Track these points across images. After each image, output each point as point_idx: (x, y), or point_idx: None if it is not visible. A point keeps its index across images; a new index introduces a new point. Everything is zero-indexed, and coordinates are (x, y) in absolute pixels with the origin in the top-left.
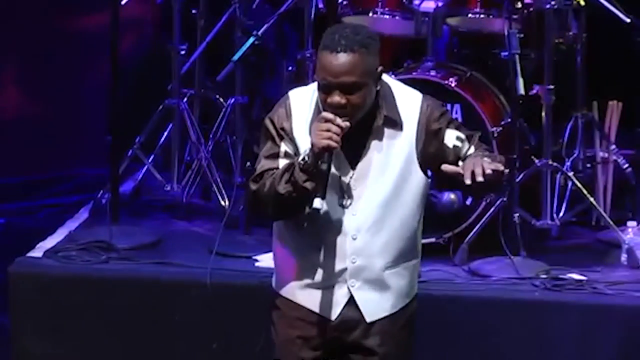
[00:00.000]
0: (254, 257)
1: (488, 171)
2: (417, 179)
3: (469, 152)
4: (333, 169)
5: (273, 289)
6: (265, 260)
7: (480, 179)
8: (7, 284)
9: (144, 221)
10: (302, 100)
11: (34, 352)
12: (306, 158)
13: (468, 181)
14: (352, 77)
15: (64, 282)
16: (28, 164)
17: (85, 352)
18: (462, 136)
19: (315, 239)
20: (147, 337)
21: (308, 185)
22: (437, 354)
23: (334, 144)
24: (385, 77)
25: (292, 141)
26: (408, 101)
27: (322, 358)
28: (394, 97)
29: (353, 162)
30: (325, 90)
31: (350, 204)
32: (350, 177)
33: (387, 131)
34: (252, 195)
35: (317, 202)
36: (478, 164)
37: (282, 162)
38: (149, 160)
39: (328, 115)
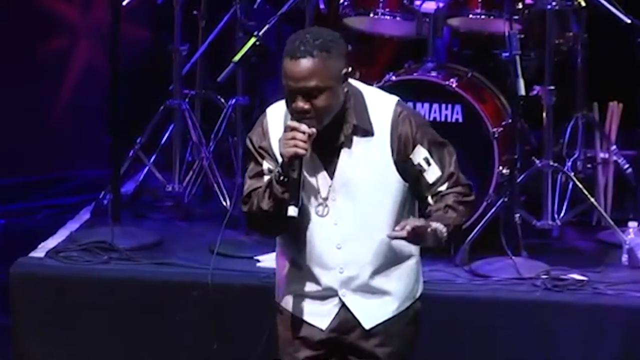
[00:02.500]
0: (255, 258)
1: (401, 232)
2: (397, 184)
3: (436, 181)
4: (312, 180)
5: (275, 297)
6: (267, 261)
7: (395, 234)
8: (8, 285)
9: (145, 222)
10: (278, 116)
11: (35, 352)
12: (279, 170)
13: (391, 237)
14: (312, 81)
15: (66, 283)
16: (29, 164)
17: (87, 353)
18: (431, 160)
19: (304, 250)
20: (148, 337)
21: (286, 196)
22: (438, 354)
23: (300, 150)
24: (358, 83)
25: (273, 157)
26: (380, 106)
27: (322, 358)
28: (365, 103)
29: (330, 172)
30: (289, 96)
31: (331, 213)
32: (329, 187)
33: (359, 139)
34: (246, 217)
35: (291, 210)
36: (412, 221)
37: (267, 179)
38: (150, 161)
39: (292, 123)
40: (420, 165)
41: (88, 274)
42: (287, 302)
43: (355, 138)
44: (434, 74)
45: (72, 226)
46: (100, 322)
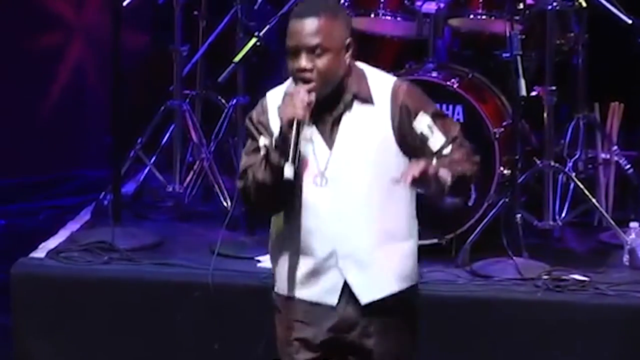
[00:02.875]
0: (256, 258)
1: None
2: (397, 157)
3: (440, 148)
4: (311, 152)
5: (274, 293)
6: (267, 261)
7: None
8: (9, 285)
9: (146, 222)
10: (278, 96)
11: (37, 352)
12: (277, 136)
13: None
14: (316, 38)
15: (66, 283)
16: (29, 165)
17: (88, 353)
18: (434, 127)
19: (302, 226)
20: (149, 338)
21: (282, 163)
22: (440, 355)
23: (299, 113)
24: (359, 63)
25: (270, 134)
26: (380, 80)
27: (321, 359)
28: (365, 76)
29: (329, 144)
30: (292, 55)
31: (330, 185)
32: (328, 159)
33: (359, 106)
34: (241, 193)
35: (287, 170)
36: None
37: (263, 153)
38: (151, 161)
39: (291, 90)
40: (423, 135)
41: (89, 274)
42: (290, 288)
43: (355, 105)
44: (434, 74)
45: (72, 226)
46: (101, 322)
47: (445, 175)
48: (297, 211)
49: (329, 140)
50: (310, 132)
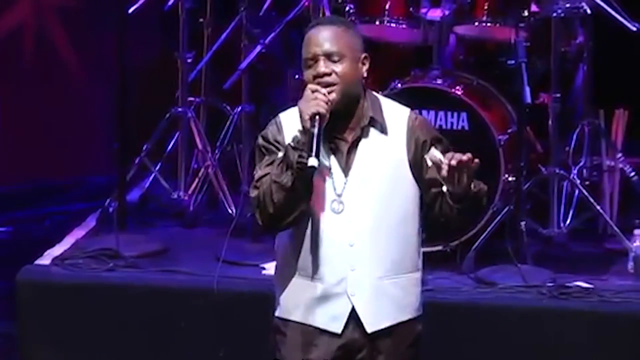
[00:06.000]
0: (261, 265)
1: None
2: (410, 186)
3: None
4: (327, 177)
5: (276, 317)
6: (272, 269)
7: (444, 164)
8: (14, 292)
9: (151, 229)
10: (292, 118)
11: (42, 359)
12: (297, 135)
13: (432, 158)
14: (335, 46)
15: (71, 290)
16: (35, 171)
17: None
18: (445, 160)
19: (314, 251)
20: (153, 344)
21: (302, 160)
22: None
23: (322, 109)
24: (374, 93)
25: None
26: (395, 111)
27: None
28: (381, 106)
29: (346, 169)
30: (310, 63)
31: (345, 211)
32: (344, 184)
33: (375, 132)
34: (253, 202)
35: (311, 160)
36: (457, 154)
37: (281, 154)
38: (156, 168)
39: (313, 86)
40: (435, 164)
41: (94, 281)
42: (295, 313)
43: (372, 130)
44: (439, 81)
45: (78, 233)
46: (105, 329)
47: (470, 181)
48: (309, 236)
49: (345, 166)
50: (327, 157)
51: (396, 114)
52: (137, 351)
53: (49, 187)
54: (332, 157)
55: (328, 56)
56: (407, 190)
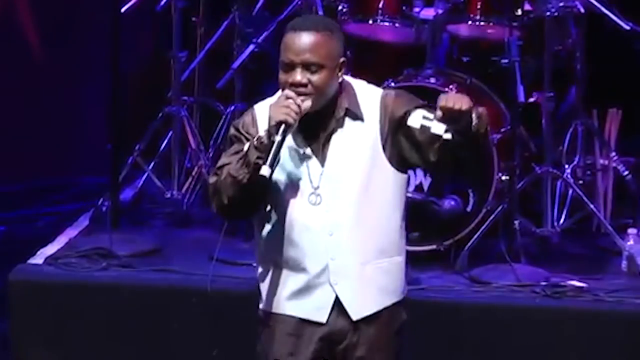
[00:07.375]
0: (254, 264)
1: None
2: (386, 172)
3: (445, 131)
4: (304, 169)
5: (260, 310)
6: None
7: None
8: (7, 291)
9: (144, 228)
10: (265, 109)
11: (35, 359)
12: (262, 136)
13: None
14: (314, 56)
15: (64, 289)
16: (28, 171)
17: (85, 359)
18: (430, 115)
19: (294, 242)
20: (147, 344)
21: (260, 162)
22: None
23: (290, 119)
24: (347, 77)
25: None
26: (369, 96)
27: None
28: (355, 93)
29: (321, 160)
30: (287, 69)
31: (323, 202)
32: (320, 175)
33: (350, 122)
34: (210, 188)
35: (264, 169)
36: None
37: (245, 148)
38: (149, 168)
39: (290, 93)
40: (424, 126)
41: (87, 280)
42: (279, 306)
43: (347, 120)
44: (433, 80)
45: (71, 233)
46: (98, 328)
47: (481, 110)
48: (288, 228)
49: (321, 157)
50: (303, 149)
51: (370, 98)
52: (130, 351)
53: (41, 187)
54: (309, 150)
55: (306, 66)
56: (386, 174)
